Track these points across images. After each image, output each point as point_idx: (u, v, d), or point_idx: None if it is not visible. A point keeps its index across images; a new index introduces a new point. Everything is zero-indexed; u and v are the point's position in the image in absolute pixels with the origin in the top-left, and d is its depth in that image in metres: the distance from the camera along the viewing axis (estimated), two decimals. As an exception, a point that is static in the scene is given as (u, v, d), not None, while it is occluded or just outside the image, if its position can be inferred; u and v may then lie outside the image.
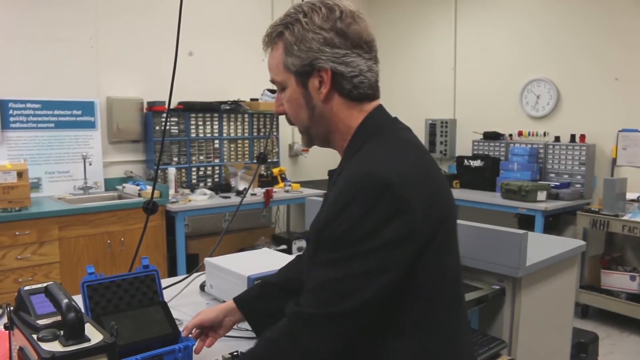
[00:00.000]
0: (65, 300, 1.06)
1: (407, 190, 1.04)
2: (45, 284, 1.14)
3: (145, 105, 4.97)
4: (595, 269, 4.65)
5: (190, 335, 1.48)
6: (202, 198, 4.75)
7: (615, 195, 4.34)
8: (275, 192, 5.06)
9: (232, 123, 5.44)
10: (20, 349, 1.10)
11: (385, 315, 1.09)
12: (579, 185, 4.93)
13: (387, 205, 1.02)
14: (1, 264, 3.69)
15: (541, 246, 2.22)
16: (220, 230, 5.20)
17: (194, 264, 4.36)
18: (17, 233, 3.74)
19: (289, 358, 1.08)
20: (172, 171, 4.85)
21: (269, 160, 5.68)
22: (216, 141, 5.35)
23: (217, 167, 5.38)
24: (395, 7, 6.50)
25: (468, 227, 2.03)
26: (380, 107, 1.21)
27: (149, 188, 4.41)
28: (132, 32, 4.92)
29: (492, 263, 1.95)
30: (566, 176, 5.02)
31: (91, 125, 4.69)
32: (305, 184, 5.52)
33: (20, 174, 3.82)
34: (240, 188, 5.10)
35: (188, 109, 5.09)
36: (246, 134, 5.55)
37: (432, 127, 6.04)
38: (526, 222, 4.86)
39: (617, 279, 4.46)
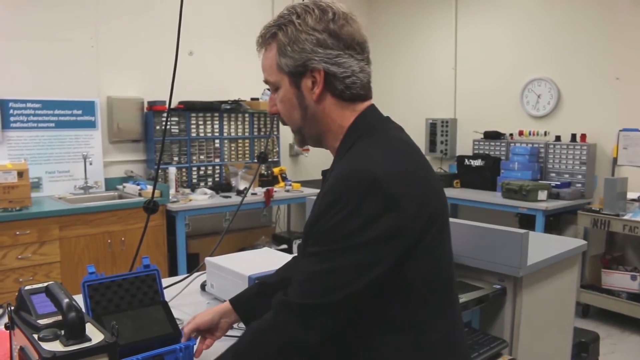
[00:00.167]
0: (66, 300, 1.06)
1: (395, 187, 1.05)
2: (45, 284, 1.14)
3: (145, 105, 4.97)
4: (596, 268, 4.64)
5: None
6: (202, 198, 4.75)
7: (616, 194, 4.34)
8: (275, 191, 5.06)
9: (232, 122, 5.44)
10: (21, 349, 1.10)
11: (377, 312, 1.10)
12: (579, 185, 4.92)
13: (375, 202, 1.03)
14: (2, 264, 3.69)
15: (542, 246, 2.22)
16: (220, 229, 5.20)
17: (194, 264, 4.36)
18: (17, 233, 3.74)
19: (274, 347, 1.09)
20: (172, 171, 4.85)
21: (270, 159, 5.68)
22: (217, 141, 5.35)
23: (217, 167, 5.37)
24: (395, 6, 6.50)
25: (469, 226, 2.03)
26: (372, 107, 1.23)
27: (150, 188, 4.41)
28: (132, 31, 4.92)
29: (493, 262, 1.95)
30: (567, 176, 5.01)
31: (91, 124, 4.69)
32: (305, 183, 5.52)
33: (20, 174, 3.82)
34: (241, 187, 5.10)
35: (188, 108, 5.09)
36: (247, 134, 5.55)
37: (432, 127, 6.03)
38: (527, 221, 4.86)
39: (617, 279, 4.45)
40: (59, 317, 1.08)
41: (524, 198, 4.72)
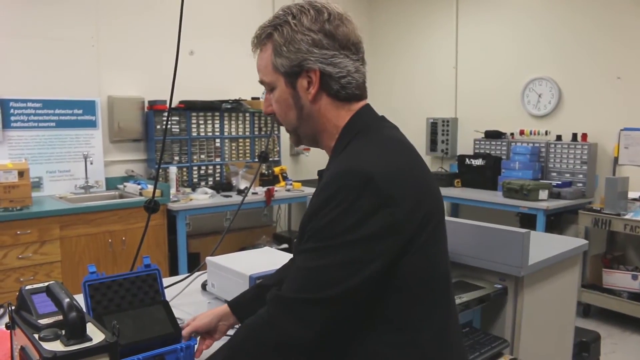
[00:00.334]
0: (67, 300, 1.06)
1: (390, 185, 1.06)
2: (46, 283, 1.14)
3: (146, 104, 4.96)
4: (597, 268, 4.64)
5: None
6: (203, 197, 4.75)
7: (617, 194, 4.33)
8: (276, 191, 5.06)
9: (233, 122, 5.44)
10: (22, 349, 1.10)
11: (372, 309, 1.10)
12: (580, 184, 4.92)
13: (370, 199, 1.04)
14: (2, 264, 3.69)
15: (543, 245, 2.21)
16: (221, 229, 5.19)
17: (195, 263, 4.36)
18: (18, 232, 3.74)
19: (269, 343, 1.09)
20: (173, 170, 4.85)
21: (270, 159, 5.69)
22: (217, 140, 5.35)
23: (218, 166, 5.37)
24: (396, 6, 6.49)
25: (470, 226, 2.03)
26: (367, 106, 1.24)
27: (150, 187, 4.41)
28: (133, 31, 4.92)
29: (494, 262, 1.95)
30: (568, 175, 5.01)
31: (92, 124, 4.69)
32: (306, 182, 5.51)
33: (21, 173, 3.82)
34: (242, 187, 5.10)
35: (189, 107, 5.09)
36: (247, 133, 5.55)
37: (433, 126, 6.03)
38: (528, 221, 4.86)
39: (618, 278, 4.45)
40: (60, 317, 1.08)
41: (524, 197, 4.72)
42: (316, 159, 6.00)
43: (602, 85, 4.87)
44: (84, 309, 1.17)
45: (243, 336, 1.15)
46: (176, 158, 5.10)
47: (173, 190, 4.69)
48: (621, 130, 4.68)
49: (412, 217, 1.08)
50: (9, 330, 1.20)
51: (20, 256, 3.75)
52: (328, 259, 1.06)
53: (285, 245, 5.22)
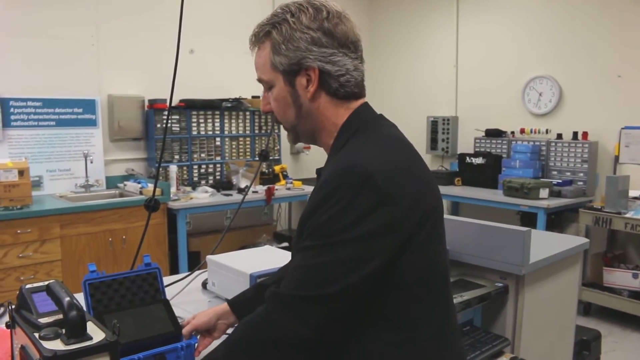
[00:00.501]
0: (67, 299, 1.06)
1: (389, 183, 1.06)
2: (46, 282, 1.14)
3: (146, 103, 4.96)
4: (597, 266, 4.64)
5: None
6: (203, 196, 4.75)
7: (617, 192, 4.33)
8: (276, 189, 5.06)
9: (233, 120, 5.44)
10: (22, 348, 1.10)
11: (371, 308, 1.10)
12: (581, 183, 4.92)
13: (369, 196, 1.04)
14: (3, 263, 3.69)
15: (544, 244, 2.21)
16: (221, 227, 5.20)
17: (195, 262, 4.36)
18: (18, 231, 3.73)
19: (266, 340, 1.08)
20: (173, 169, 4.85)
21: (271, 157, 5.68)
22: (217, 139, 5.34)
23: (218, 165, 5.37)
24: (396, 4, 6.48)
25: (471, 224, 2.03)
26: (365, 105, 1.23)
27: (151, 186, 4.41)
28: (133, 30, 4.91)
29: (495, 260, 1.95)
30: (568, 174, 5.01)
31: (92, 123, 4.69)
32: (307, 181, 5.51)
33: (21, 172, 3.82)
34: (242, 185, 5.10)
35: (189, 106, 5.09)
36: (247, 132, 5.55)
37: (433, 125, 6.02)
38: (528, 219, 4.85)
39: (619, 277, 4.45)
40: (60, 316, 1.07)
41: (525, 196, 4.71)
42: (316, 158, 6.00)
43: (602, 83, 4.86)
44: (85, 308, 1.16)
45: (241, 334, 1.14)
46: (176, 157, 5.10)
47: (173, 189, 4.69)
48: (622, 128, 4.68)
49: (411, 216, 1.08)
50: (9, 329, 1.20)
51: (20, 255, 3.75)
52: (326, 256, 1.05)
53: (285, 244, 5.22)
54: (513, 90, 5.49)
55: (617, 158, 4.75)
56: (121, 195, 4.60)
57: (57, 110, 4.51)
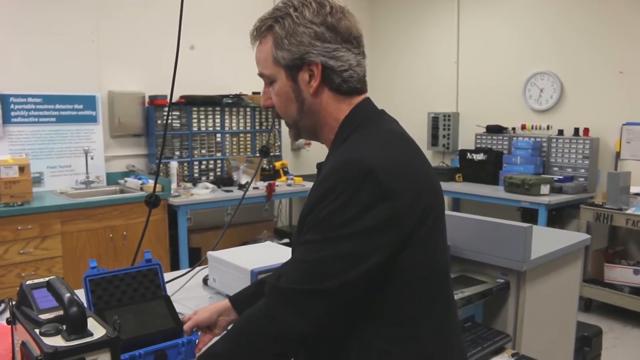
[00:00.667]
0: (68, 295, 1.06)
1: (391, 178, 1.05)
2: (47, 278, 1.14)
3: (146, 99, 4.95)
4: (598, 262, 4.63)
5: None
6: (204, 192, 4.75)
7: (619, 188, 4.32)
8: (277, 185, 5.06)
9: (234, 116, 5.43)
10: (23, 344, 1.10)
11: (371, 303, 1.10)
12: (582, 179, 4.91)
13: (370, 191, 1.03)
14: (4, 259, 3.69)
15: (545, 240, 2.21)
16: (222, 224, 5.20)
17: (196, 258, 4.36)
18: (19, 227, 3.73)
19: (266, 334, 1.08)
20: (174, 165, 4.85)
21: (271, 153, 5.68)
22: (218, 135, 5.34)
23: (219, 161, 5.37)
24: (397, 0, 6.46)
25: (473, 220, 2.03)
26: (367, 100, 1.23)
27: (151, 182, 4.40)
28: (133, 26, 4.90)
29: (497, 256, 1.95)
30: (570, 170, 5.00)
31: (93, 119, 4.68)
32: (307, 177, 5.51)
33: (22, 169, 3.82)
34: (243, 182, 5.10)
35: (190, 102, 5.08)
36: (248, 128, 5.54)
37: (434, 121, 6.02)
38: (529, 215, 4.85)
39: (620, 273, 4.45)
40: (61, 312, 1.07)
41: (526, 192, 4.70)
42: (317, 154, 5.99)
43: (604, 79, 4.85)
44: (85, 304, 1.16)
45: (241, 328, 1.14)
46: (177, 153, 5.10)
47: (174, 185, 4.69)
48: (623, 124, 4.67)
49: (412, 211, 1.08)
50: (9, 326, 1.20)
51: (21, 251, 3.75)
52: (327, 251, 1.05)
53: (286, 240, 5.22)
54: (514, 86, 5.48)
55: (618, 154, 4.74)
56: (122, 192, 4.60)
57: (57, 106, 4.50)
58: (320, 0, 1.16)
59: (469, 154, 5.56)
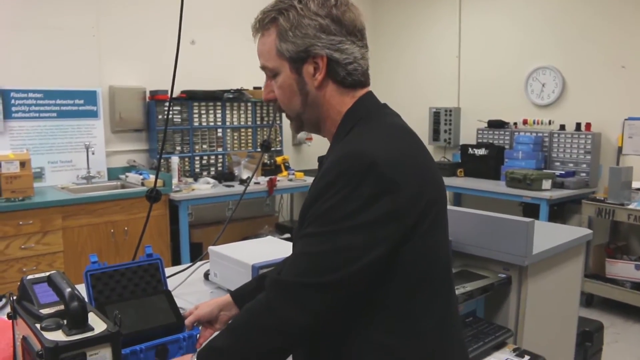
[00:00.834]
0: (68, 289, 1.05)
1: (393, 171, 1.05)
2: (47, 273, 1.13)
3: (147, 94, 4.95)
4: (600, 257, 4.63)
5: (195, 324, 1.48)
6: (205, 187, 4.75)
7: (620, 184, 4.31)
8: (278, 180, 5.06)
9: (235, 111, 5.42)
10: (24, 339, 1.10)
11: (372, 297, 1.09)
12: (584, 174, 4.90)
13: (372, 184, 1.03)
14: (5, 254, 3.70)
15: (547, 235, 2.20)
16: (223, 219, 5.19)
17: (197, 253, 4.36)
18: (20, 223, 3.74)
19: (266, 327, 1.07)
20: (175, 160, 4.84)
21: (273, 149, 5.68)
22: (219, 130, 5.33)
23: (220, 156, 5.37)
24: (399, -6, 6.45)
25: (475, 215, 2.02)
26: (369, 93, 1.23)
27: (152, 177, 4.40)
28: (134, 20, 4.89)
29: (498, 251, 1.94)
30: (571, 165, 4.99)
31: (93, 114, 4.68)
32: (309, 172, 5.50)
33: (23, 164, 3.82)
34: (244, 177, 5.10)
35: (191, 97, 5.08)
36: (249, 123, 5.53)
37: (436, 116, 6.00)
38: (531, 211, 4.84)
39: (621, 268, 4.44)
40: (62, 307, 1.07)
41: (528, 187, 4.70)
42: (318, 149, 5.98)
43: (606, 74, 4.83)
44: (86, 299, 1.16)
45: (242, 321, 1.13)
46: (178, 148, 5.09)
47: (175, 180, 4.69)
48: (625, 119, 4.65)
49: (415, 204, 1.07)
50: (10, 320, 1.20)
51: (22, 246, 3.76)
52: (329, 244, 1.04)
53: (287, 235, 5.22)
54: (516, 81, 5.46)
55: (620, 149, 4.73)
56: (123, 187, 4.60)
57: (58, 101, 4.49)
58: None
59: (470, 149, 5.55)
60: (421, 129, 5.84)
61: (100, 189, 4.43)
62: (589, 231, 2.40)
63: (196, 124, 5.17)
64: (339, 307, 1.07)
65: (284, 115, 1.27)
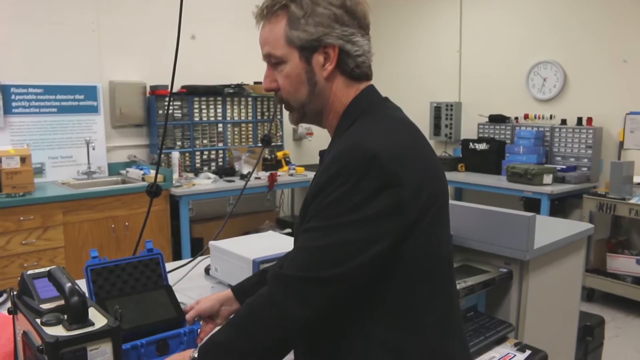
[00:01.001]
0: (69, 284, 1.05)
1: (395, 164, 1.04)
2: (48, 268, 1.13)
3: (148, 89, 4.94)
4: (601, 252, 4.63)
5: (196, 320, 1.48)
6: (206, 182, 4.75)
7: (622, 178, 4.31)
8: (279, 175, 5.05)
9: (235, 106, 5.41)
10: (24, 334, 1.10)
11: (373, 292, 1.09)
12: (585, 169, 4.89)
13: (374, 178, 1.02)
14: (6, 249, 3.70)
15: (548, 229, 2.20)
16: (224, 214, 5.19)
17: (198, 248, 4.36)
18: (21, 218, 3.74)
19: (268, 321, 1.07)
20: (175, 155, 4.84)
21: (273, 143, 5.67)
22: (220, 125, 5.33)
23: (220, 151, 5.36)
24: (399, -12, 6.42)
25: (476, 209, 2.02)
26: (372, 87, 1.22)
27: (153, 172, 4.40)
28: (134, 15, 4.88)
29: (500, 246, 1.94)
30: (572, 159, 4.98)
31: (94, 109, 4.67)
32: (309, 167, 5.50)
33: (23, 159, 3.81)
34: (244, 172, 5.09)
35: (191, 92, 5.07)
36: (250, 118, 5.53)
37: (437, 110, 5.99)
38: (532, 205, 4.83)
39: (623, 263, 4.44)
40: (62, 302, 1.07)
41: (529, 182, 4.69)
42: (319, 144, 5.96)
43: (607, 68, 4.82)
44: (87, 294, 1.16)
45: (244, 315, 1.12)
46: (178, 143, 5.09)
47: (176, 176, 4.69)
48: (627, 114, 4.64)
49: (417, 198, 1.06)
50: (11, 315, 1.20)
51: (23, 242, 3.76)
52: (331, 238, 1.04)
53: (288, 230, 5.22)
54: (517, 75, 5.45)
55: (621, 144, 4.72)
56: (123, 182, 4.59)
57: (58, 96, 4.49)
58: None
59: (471, 144, 5.54)
60: (422, 123, 5.83)
61: (100, 185, 4.43)
62: (590, 226, 2.40)
63: (196, 119, 5.17)
64: (340, 302, 1.07)
65: (284, 109, 1.26)
